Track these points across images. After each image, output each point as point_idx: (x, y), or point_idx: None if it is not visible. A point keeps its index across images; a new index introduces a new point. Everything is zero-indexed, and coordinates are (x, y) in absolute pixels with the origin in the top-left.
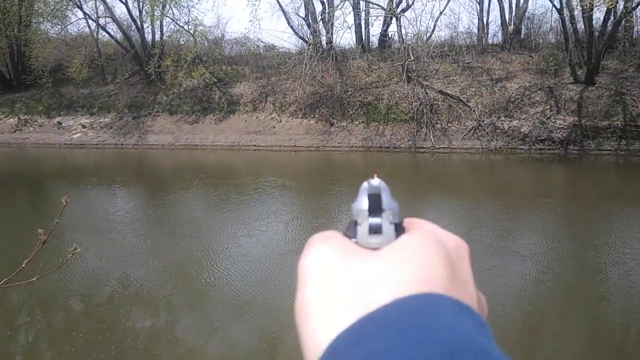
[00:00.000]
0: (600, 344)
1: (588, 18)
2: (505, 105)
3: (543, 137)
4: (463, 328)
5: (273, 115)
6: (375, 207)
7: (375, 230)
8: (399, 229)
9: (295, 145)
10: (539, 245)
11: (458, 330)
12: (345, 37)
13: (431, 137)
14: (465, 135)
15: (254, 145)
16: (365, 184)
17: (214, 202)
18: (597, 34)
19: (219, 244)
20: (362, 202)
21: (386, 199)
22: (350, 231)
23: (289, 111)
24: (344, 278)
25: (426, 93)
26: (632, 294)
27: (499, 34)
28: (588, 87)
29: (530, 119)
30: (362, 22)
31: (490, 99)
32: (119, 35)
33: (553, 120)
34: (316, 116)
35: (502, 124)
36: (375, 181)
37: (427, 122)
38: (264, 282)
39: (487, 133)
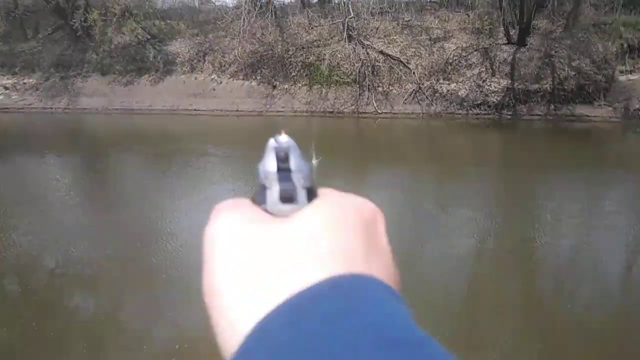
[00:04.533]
0: (533, 308)
1: None
2: (443, 67)
3: (479, 102)
4: (401, 314)
5: (213, 77)
6: (285, 169)
7: (286, 196)
8: (311, 194)
9: (237, 110)
10: (475, 211)
11: (398, 317)
12: None
13: (373, 102)
14: (406, 99)
15: (195, 110)
16: (271, 141)
17: (154, 171)
18: None
19: (161, 216)
20: (270, 163)
21: (296, 159)
22: (258, 196)
23: (230, 72)
24: (258, 251)
25: (367, 53)
26: (563, 255)
27: None
28: (520, 49)
29: (467, 82)
30: None
31: (429, 60)
32: None
33: (488, 84)
34: (258, 78)
35: (441, 87)
36: (284, 138)
37: (369, 84)
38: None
39: (427, 97)
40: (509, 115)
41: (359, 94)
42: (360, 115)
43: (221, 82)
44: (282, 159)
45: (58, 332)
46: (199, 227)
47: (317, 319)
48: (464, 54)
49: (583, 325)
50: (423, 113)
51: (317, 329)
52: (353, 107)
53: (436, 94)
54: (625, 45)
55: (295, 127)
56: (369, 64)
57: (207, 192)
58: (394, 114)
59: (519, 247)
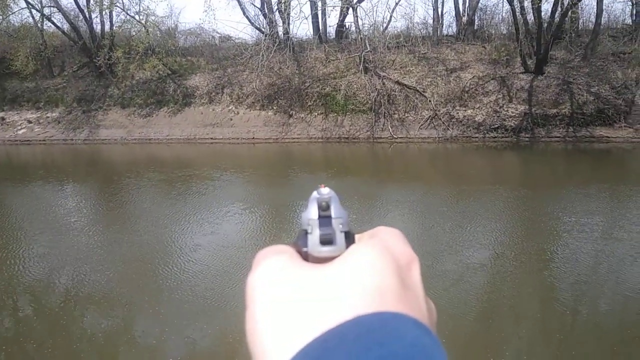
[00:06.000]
0: (550, 325)
1: (537, 9)
2: (460, 95)
3: (496, 126)
4: (425, 347)
5: (230, 107)
6: (325, 216)
7: (326, 239)
8: (349, 237)
9: (253, 138)
10: (495, 230)
11: (421, 349)
12: (302, 28)
13: (389, 127)
14: (422, 124)
15: (211, 138)
16: (314, 193)
17: (170, 196)
18: (546, 24)
19: (175, 238)
20: (312, 211)
21: (336, 208)
22: (300, 241)
23: (247, 103)
24: (295, 294)
25: (383, 84)
26: (580, 273)
27: (454, 25)
28: (538, 77)
29: (484, 108)
30: (319, 12)
31: (446, 88)
32: (65, 26)
33: (505, 109)
34: (274, 108)
35: (458, 113)
36: (325, 190)
37: (384, 112)
38: (224, 274)
39: (443, 122)
40: (527, 138)
41: (375, 121)
42: (375, 140)
43: (238, 113)
44: (324, 208)
45: (73, 350)
46: (210, 245)
47: (341, 355)
48: (480, 82)
49: (601, 333)
50: (439, 137)
51: None
52: (368, 132)
53: (452, 120)
54: None
55: (310, 152)
56: (384, 93)
57: (221, 214)
58: (409, 138)
59: (537, 258)
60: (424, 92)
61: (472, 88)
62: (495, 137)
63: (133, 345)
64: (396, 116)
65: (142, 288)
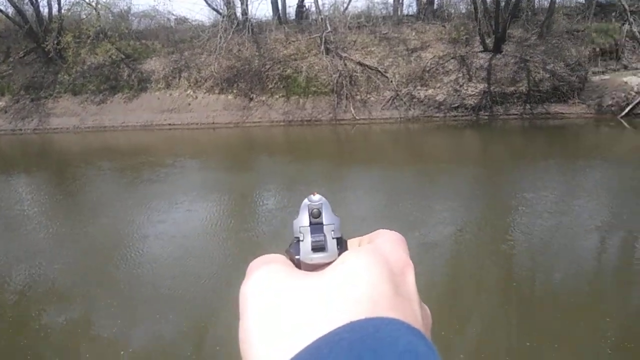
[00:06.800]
0: (510, 294)
1: None
2: (421, 75)
3: (457, 105)
4: (419, 352)
5: (188, 92)
6: (317, 223)
7: (317, 246)
8: (341, 244)
9: (213, 122)
10: (456, 207)
11: (414, 355)
12: (261, 9)
13: (351, 109)
14: (384, 105)
15: (169, 124)
16: (306, 200)
17: (125, 184)
18: (504, 3)
19: (131, 228)
20: (303, 219)
21: (327, 215)
22: (293, 248)
23: (205, 87)
24: (287, 303)
25: (345, 64)
26: (537, 245)
27: (414, 4)
28: (496, 55)
29: (444, 87)
30: None
31: (407, 68)
32: (10, 10)
33: (465, 88)
34: (234, 91)
35: (419, 93)
36: (316, 197)
37: (346, 93)
38: (179, 264)
39: (404, 102)
40: (486, 116)
41: (337, 103)
42: (338, 122)
43: (197, 97)
44: (315, 215)
45: (29, 345)
46: (171, 233)
47: None
48: (441, 62)
49: (556, 301)
50: (401, 117)
51: None
52: (331, 114)
53: (414, 100)
54: (597, 49)
55: (271, 135)
56: (346, 75)
57: (180, 202)
58: (372, 119)
59: (497, 232)
60: (385, 72)
61: (432, 67)
62: (456, 115)
63: (89, 338)
64: (358, 97)
65: (96, 279)
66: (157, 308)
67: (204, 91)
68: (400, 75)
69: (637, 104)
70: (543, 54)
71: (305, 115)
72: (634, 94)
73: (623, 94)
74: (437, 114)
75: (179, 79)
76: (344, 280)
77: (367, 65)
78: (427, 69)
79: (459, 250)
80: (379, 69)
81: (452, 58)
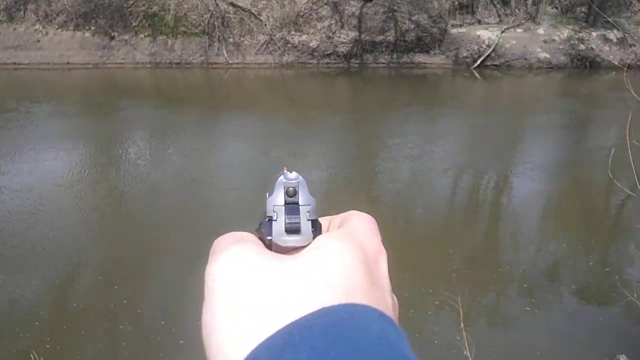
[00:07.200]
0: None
1: None
2: (295, 20)
3: (329, 52)
4: (390, 340)
5: (37, 27)
6: (292, 203)
7: (292, 228)
8: (316, 226)
9: (68, 63)
10: (328, 152)
11: (386, 342)
12: None
13: (224, 52)
14: (258, 50)
15: (14, 63)
16: (281, 177)
17: None
18: None
19: None
20: (278, 197)
21: (303, 194)
22: (264, 228)
23: (57, 22)
24: (259, 287)
25: (216, 4)
26: (401, 185)
27: None
28: (367, 4)
29: (317, 33)
30: None
31: (281, 12)
32: None
33: (338, 35)
34: (92, 28)
35: (293, 38)
36: (293, 175)
37: (219, 36)
38: (27, 217)
39: (279, 47)
40: (357, 63)
41: (209, 45)
42: (210, 66)
43: (47, 33)
44: (291, 194)
45: None
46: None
47: (306, 348)
48: (314, 7)
49: (418, 233)
50: (275, 63)
51: (303, 357)
52: (202, 57)
53: (288, 45)
54: (456, 3)
55: (137, 79)
56: (218, 15)
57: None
58: (245, 64)
59: (365, 175)
60: (259, 15)
61: (306, 13)
62: (329, 63)
63: None
64: (231, 40)
65: None
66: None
67: (56, 27)
68: (274, 19)
69: (487, 56)
70: (409, 4)
71: (175, 58)
72: (485, 47)
73: (476, 47)
74: (311, 61)
75: (25, 11)
76: (318, 266)
77: (239, 7)
78: (301, 13)
79: (329, 192)
80: (252, 11)
81: (325, 4)
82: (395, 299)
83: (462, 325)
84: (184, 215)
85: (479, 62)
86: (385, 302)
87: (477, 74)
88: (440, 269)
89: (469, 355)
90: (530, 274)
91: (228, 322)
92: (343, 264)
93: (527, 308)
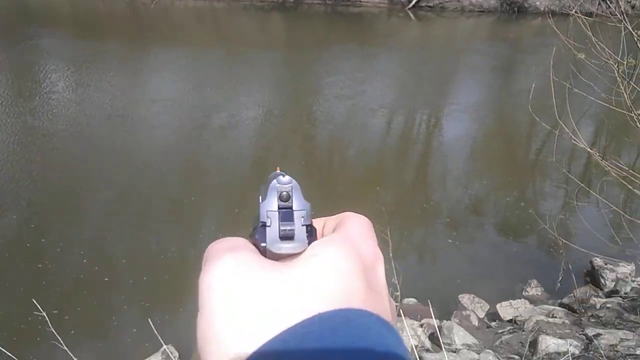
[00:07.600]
0: (313, 166)
1: None
2: None
3: None
4: (388, 344)
5: None
6: (286, 207)
7: (286, 235)
8: (311, 232)
9: None
10: (262, 90)
11: (384, 346)
12: None
13: None
14: None
15: None
16: (274, 182)
17: None
18: None
19: None
20: (271, 202)
21: (297, 199)
22: (258, 234)
23: None
24: (255, 295)
25: None
26: (337, 123)
27: None
28: None
29: None
30: None
31: None
32: None
33: None
34: None
35: None
36: (286, 179)
37: None
38: None
39: None
40: None
41: None
42: None
43: None
44: (284, 199)
45: None
46: None
47: (302, 354)
48: None
49: (353, 169)
50: None
51: None
52: None
53: None
54: None
55: (52, 5)
56: None
57: None
58: None
59: (300, 114)
60: None
61: None
62: None
63: None
64: None
65: None
66: None
67: None
68: None
69: None
70: None
71: None
72: None
73: None
74: None
75: None
76: (314, 272)
77: None
78: None
79: (263, 129)
80: None
81: None
82: (393, 303)
83: (390, 254)
84: (103, 153)
85: (413, 2)
86: (383, 306)
87: (411, 15)
88: (371, 205)
89: (396, 282)
90: (455, 209)
91: (224, 331)
92: (340, 270)
93: (450, 240)
